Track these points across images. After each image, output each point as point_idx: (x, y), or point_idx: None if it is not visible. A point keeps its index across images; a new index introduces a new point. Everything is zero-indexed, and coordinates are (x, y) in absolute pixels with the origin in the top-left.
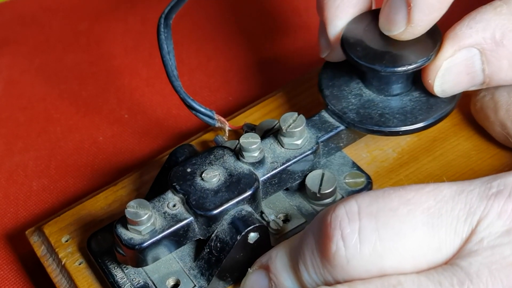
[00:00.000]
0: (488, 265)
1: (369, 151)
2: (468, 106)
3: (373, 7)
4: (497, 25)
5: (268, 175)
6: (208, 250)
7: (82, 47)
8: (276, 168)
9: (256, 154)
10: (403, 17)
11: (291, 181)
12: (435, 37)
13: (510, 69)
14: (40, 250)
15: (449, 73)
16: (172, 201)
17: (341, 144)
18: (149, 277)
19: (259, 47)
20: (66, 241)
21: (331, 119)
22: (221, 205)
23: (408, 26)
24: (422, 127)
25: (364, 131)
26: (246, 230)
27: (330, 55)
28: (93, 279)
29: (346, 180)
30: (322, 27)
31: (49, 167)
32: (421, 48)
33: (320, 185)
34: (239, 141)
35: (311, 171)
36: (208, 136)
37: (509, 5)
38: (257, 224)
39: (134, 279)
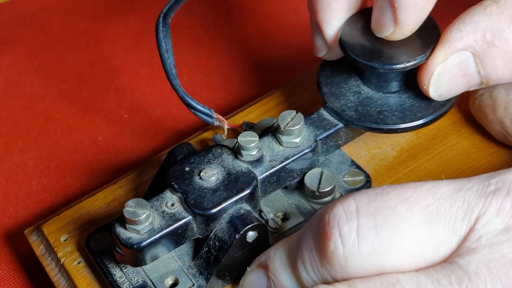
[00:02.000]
0: (487, 263)
1: (368, 149)
2: (467, 104)
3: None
4: (487, 26)
5: (267, 173)
6: (206, 249)
7: (82, 47)
8: (274, 167)
9: (254, 153)
10: (390, 18)
11: (289, 179)
12: (433, 34)
13: (506, 68)
14: (39, 250)
15: (443, 78)
16: (171, 200)
17: (340, 142)
18: (147, 276)
19: (258, 46)
20: (65, 240)
21: (329, 117)
22: (220, 204)
23: (397, 27)
24: (421, 124)
25: (362, 128)
26: (244, 229)
27: (327, 55)
28: (92, 278)
29: (345, 179)
30: (317, 28)
31: (48, 167)
32: (419, 46)
33: (319, 183)
34: (237, 139)
35: (310, 169)
36: (207, 134)
37: (499, 4)
38: (255, 223)
39: (132, 278)
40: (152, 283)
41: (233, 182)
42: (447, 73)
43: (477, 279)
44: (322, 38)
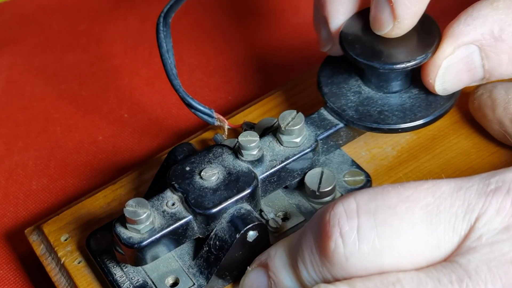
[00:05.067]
0: (487, 262)
1: (368, 149)
2: (467, 104)
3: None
4: (495, 20)
5: (267, 173)
6: (207, 248)
7: (82, 47)
8: (275, 166)
9: (255, 152)
10: (388, 14)
11: (290, 179)
12: (434, 33)
13: (510, 64)
14: (39, 249)
15: (450, 72)
16: (171, 200)
17: (340, 142)
18: (148, 276)
19: (259, 46)
20: (65, 240)
21: (330, 117)
22: (220, 203)
23: (395, 22)
24: (421, 124)
25: (363, 128)
26: (245, 229)
27: (332, 49)
28: (92, 278)
29: (345, 178)
30: (323, 22)
31: (48, 167)
32: (420, 45)
33: (319, 183)
34: (238, 139)
35: (310, 169)
36: (207, 134)
37: (506, 0)
38: (256, 223)
39: (133, 278)
40: (153, 282)
41: (234, 182)
42: (453, 66)
43: (477, 278)
44: (328, 32)
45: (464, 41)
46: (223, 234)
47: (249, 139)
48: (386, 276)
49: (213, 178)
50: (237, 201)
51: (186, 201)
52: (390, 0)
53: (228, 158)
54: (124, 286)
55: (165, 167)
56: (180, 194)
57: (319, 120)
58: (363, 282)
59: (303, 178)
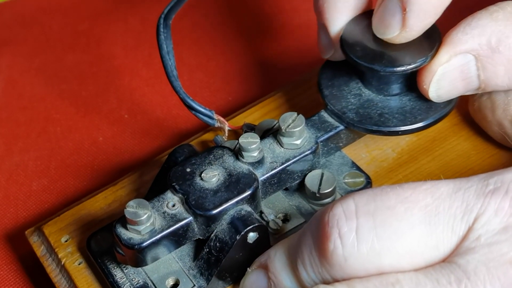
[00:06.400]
0: (486, 262)
1: (368, 151)
2: (467, 106)
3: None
4: (493, 31)
5: (268, 175)
6: (207, 250)
7: (82, 47)
8: (275, 168)
9: (255, 154)
10: (398, 21)
11: (290, 181)
12: (435, 37)
13: (506, 76)
14: (39, 250)
15: (444, 79)
16: (172, 201)
17: (341, 144)
18: (148, 277)
19: (259, 47)
20: (66, 241)
21: (330, 119)
22: (221, 205)
23: (402, 30)
24: (421, 127)
25: (363, 131)
26: (245, 230)
27: (334, 55)
28: (93, 279)
29: (346, 180)
30: (323, 29)
31: (49, 167)
32: (420, 48)
33: (320, 185)
34: (238, 141)
35: (311, 171)
36: (208, 136)
37: (505, 11)
38: (256, 224)
39: (133, 279)
40: (153, 283)
41: (234, 183)
42: (449, 74)
43: (476, 279)
44: (329, 38)
45: (461, 49)
46: (223, 236)
47: (249, 140)
48: (385, 277)
49: (213, 180)
50: (237, 202)
51: (187, 203)
52: (404, 8)
53: (229, 160)
54: (124, 287)
55: (165, 168)
56: (180, 195)
57: (320, 122)
58: (362, 283)
59: (303, 180)
